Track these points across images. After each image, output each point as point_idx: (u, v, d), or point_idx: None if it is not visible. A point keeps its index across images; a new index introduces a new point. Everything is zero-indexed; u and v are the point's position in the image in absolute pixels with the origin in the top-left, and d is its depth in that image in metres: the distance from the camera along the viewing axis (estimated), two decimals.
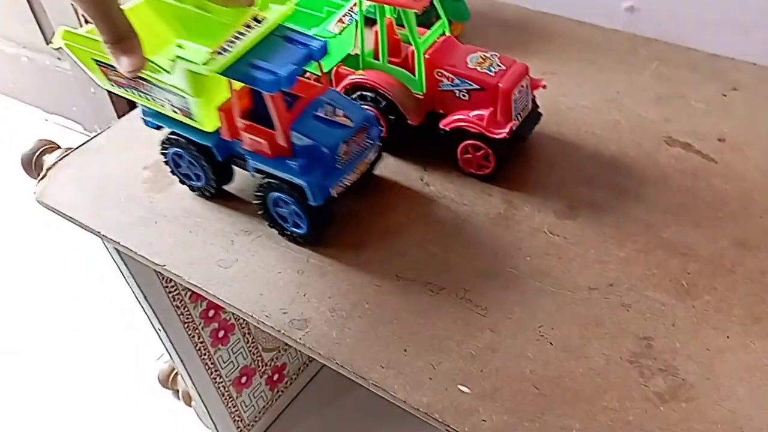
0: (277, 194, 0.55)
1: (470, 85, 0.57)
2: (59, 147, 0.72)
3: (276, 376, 1.04)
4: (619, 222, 0.56)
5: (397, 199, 0.60)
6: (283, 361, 1.03)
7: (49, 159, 0.70)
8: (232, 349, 0.93)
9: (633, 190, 0.59)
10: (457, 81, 0.58)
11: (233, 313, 0.79)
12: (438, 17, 0.60)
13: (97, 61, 0.54)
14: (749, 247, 0.53)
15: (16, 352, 1.24)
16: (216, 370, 0.92)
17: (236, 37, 0.48)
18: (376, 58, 0.60)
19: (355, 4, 0.61)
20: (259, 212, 0.57)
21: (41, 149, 0.71)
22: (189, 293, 0.82)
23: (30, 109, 1.76)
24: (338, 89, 0.61)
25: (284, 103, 0.52)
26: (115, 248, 0.65)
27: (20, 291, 1.34)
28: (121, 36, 0.47)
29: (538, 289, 0.52)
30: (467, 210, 0.58)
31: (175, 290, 0.80)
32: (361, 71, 0.61)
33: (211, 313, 0.87)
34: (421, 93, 0.60)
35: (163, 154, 0.61)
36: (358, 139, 0.54)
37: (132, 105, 0.69)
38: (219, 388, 0.94)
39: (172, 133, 0.59)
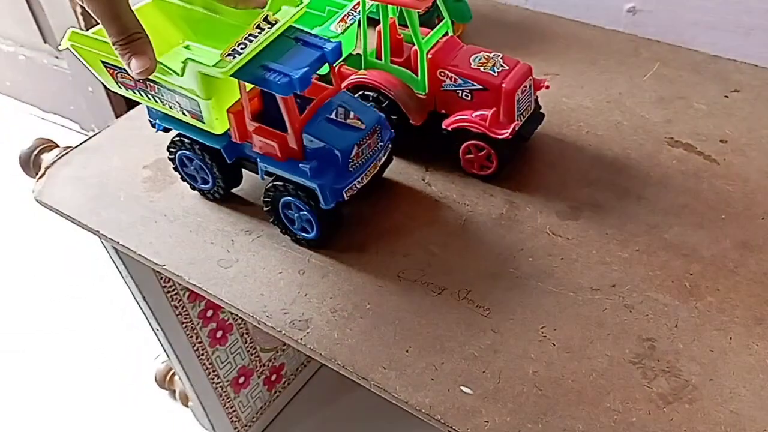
0: (287, 198, 0.54)
1: (473, 85, 0.57)
2: (57, 146, 0.72)
3: (274, 377, 1.03)
4: (621, 223, 0.56)
5: (398, 200, 0.60)
6: (281, 361, 1.03)
7: (47, 158, 0.70)
8: (230, 350, 0.93)
9: (635, 191, 0.58)
10: (459, 81, 0.58)
11: (232, 313, 0.79)
12: (440, 18, 0.60)
13: (104, 62, 0.53)
14: (752, 248, 0.53)
15: (16, 352, 1.23)
16: (214, 371, 0.92)
17: (248, 39, 0.47)
18: (379, 57, 0.60)
19: (357, 4, 0.60)
20: (271, 220, 0.57)
21: (39, 148, 0.71)
22: (187, 293, 0.82)
23: (27, 108, 1.75)
24: None
25: (296, 105, 0.51)
26: (114, 247, 0.64)
27: (20, 291, 1.33)
28: (132, 37, 0.46)
29: (541, 289, 0.52)
30: (469, 210, 0.58)
31: (173, 290, 0.80)
32: (363, 71, 0.61)
33: (210, 313, 0.87)
34: (423, 93, 0.60)
35: (170, 157, 0.61)
36: (370, 141, 0.54)
37: (130, 104, 0.68)
38: (216, 388, 0.94)
39: (179, 135, 0.58)
